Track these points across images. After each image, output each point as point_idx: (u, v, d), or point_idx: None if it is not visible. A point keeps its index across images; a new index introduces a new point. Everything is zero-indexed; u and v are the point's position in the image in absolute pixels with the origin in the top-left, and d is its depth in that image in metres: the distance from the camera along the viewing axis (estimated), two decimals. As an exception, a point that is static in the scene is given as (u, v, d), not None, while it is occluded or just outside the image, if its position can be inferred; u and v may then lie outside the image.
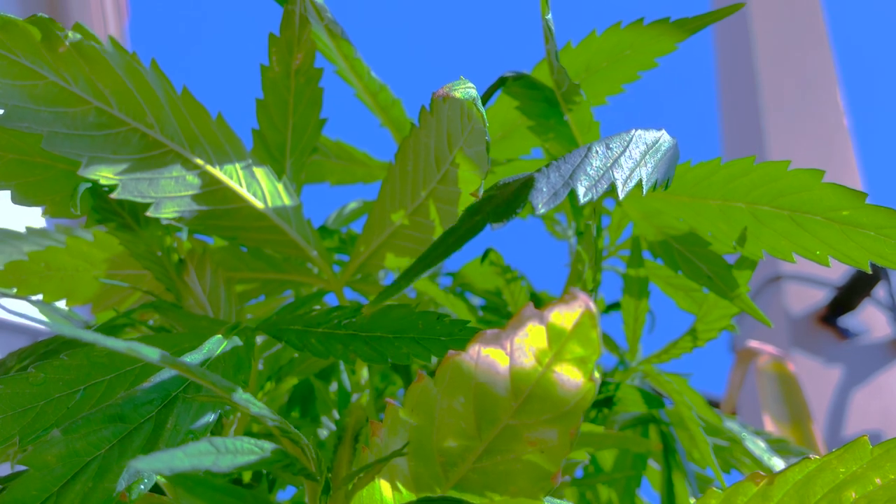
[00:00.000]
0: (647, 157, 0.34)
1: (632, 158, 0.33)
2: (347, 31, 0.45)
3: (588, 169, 0.31)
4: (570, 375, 0.25)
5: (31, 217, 0.42)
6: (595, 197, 0.31)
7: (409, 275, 0.28)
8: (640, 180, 0.33)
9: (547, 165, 0.31)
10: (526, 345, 0.25)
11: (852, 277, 1.88)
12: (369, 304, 0.30)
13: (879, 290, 1.96)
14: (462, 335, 0.33)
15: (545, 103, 0.43)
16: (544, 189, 0.30)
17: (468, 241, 0.29)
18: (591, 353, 0.24)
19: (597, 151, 0.32)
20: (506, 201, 0.29)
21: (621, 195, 0.32)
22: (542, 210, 0.29)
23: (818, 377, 1.85)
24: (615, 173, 0.32)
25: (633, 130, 0.34)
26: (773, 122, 2.23)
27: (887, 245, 0.36)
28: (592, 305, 0.24)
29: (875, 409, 1.84)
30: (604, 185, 0.31)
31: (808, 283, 1.97)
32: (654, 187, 0.34)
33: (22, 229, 0.47)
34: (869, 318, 1.97)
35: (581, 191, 0.31)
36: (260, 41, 0.43)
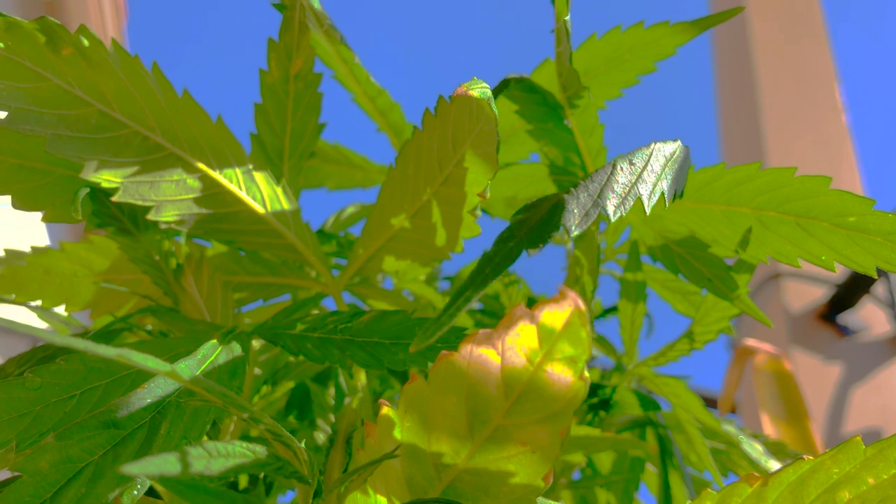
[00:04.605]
0: (667, 169, 0.34)
1: (654, 172, 0.33)
2: (345, 35, 0.45)
3: (615, 186, 0.31)
4: (561, 374, 0.25)
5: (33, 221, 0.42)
6: (624, 213, 0.31)
7: (449, 311, 0.27)
8: (663, 193, 0.33)
9: (575, 186, 0.30)
10: (517, 344, 0.25)
11: (852, 275, 1.88)
12: (415, 342, 0.29)
13: (879, 288, 1.96)
14: (458, 342, 0.33)
15: (545, 107, 0.43)
16: (575, 210, 0.29)
17: (506, 268, 0.28)
18: (581, 352, 0.24)
19: (621, 168, 0.32)
20: (538, 225, 0.29)
21: (648, 209, 0.32)
22: (575, 232, 0.29)
23: (818, 375, 1.85)
24: (640, 188, 0.32)
25: (653, 144, 0.34)
26: (773, 120, 2.22)
27: (894, 251, 0.36)
28: (582, 304, 0.24)
29: (874, 407, 1.84)
30: (630, 202, 0.31)
31: (808, 281, 1.98)
32: (674, 198, 0.34)
33: (24, 233, 0.47)
34: (868, 316, 1.98)
35: (611, 210, 0.30)
36: (260, 45, 0.43)
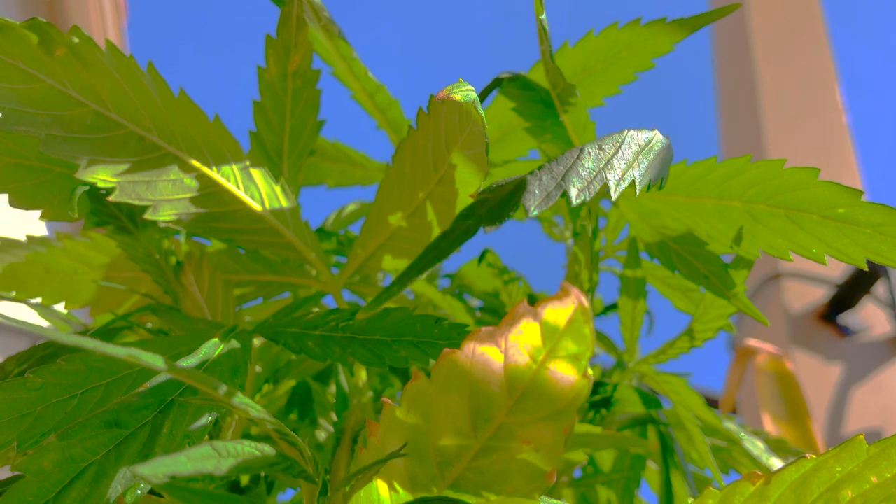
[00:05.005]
0: (640, 157, 0.34)
1: (624, 159, 0.33)
2: (343, 30, 0.45)
3: (580, 170, 0.31)
4: (565, 373, 0.25)
5: (31, 220, 0.42)
6: (588, 198, 0.31)
7: (403, 279, 0.28)
8: (634, 181, 0.33)
9: (540, 167, 0.31)
10: (520, 342, 0.25)
11: (852, 275, 1.87)
12: (365, 308, 0.30)
13: (879, 288, 1.95)
14: (460, 339, 0.33)
15: (541, 104, 0.43)
16: (537, 191, 0.30)
17: (462, 244, 0.28)
18: (585, 349, 0.24)
19: (589, 153, 0.32)
20: (499, 204, 0.29)
21: (614, 196, 0.32)
22: (534, 212, 0.29)
23: (818, 375, 1.85)
24: (608, 174, 0.32)
25: (626, 131, 0.34)
26: (773, 120, 2.22)
27: (884, 242, 0.36)
28: (585, 301, 0.24)
29: (875, 407, 1.84)
30: (596, 187, 0.31)
31: (808, 281, 1.97)
32: (648, 187, 0.34)
33: (22, 232, 0.47)
34: (869, 316, 1.97)
35: (573, 192, 0.30)
36: (262, 42, 0.43)
